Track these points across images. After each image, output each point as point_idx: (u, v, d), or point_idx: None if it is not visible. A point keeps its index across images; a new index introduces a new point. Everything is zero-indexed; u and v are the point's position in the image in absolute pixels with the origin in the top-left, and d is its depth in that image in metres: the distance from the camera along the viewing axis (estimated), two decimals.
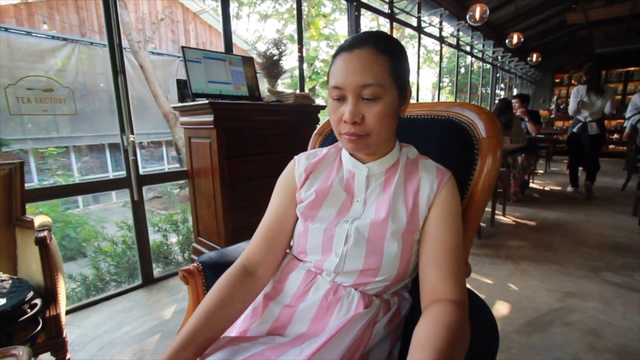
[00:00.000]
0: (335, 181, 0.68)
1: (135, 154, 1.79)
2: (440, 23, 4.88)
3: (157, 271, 2.13)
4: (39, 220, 1.18)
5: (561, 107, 9.08)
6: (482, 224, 2.87)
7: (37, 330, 1.00)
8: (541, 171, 5.99)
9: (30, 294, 1.00)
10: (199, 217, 2.01)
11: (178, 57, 5.07)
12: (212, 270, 0.81)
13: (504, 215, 3.30)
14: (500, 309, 1.70)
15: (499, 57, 7.11)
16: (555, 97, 9.23)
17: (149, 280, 1.99)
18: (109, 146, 5.45)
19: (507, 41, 5.43)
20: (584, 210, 3.47)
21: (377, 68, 0.56)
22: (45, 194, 1.61)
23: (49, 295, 1.06)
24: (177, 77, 5.24)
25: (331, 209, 0.66)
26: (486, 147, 0.73)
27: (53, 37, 4.15)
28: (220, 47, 2.17)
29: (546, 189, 4.64)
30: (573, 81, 8.80)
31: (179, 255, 2.62)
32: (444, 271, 0.56)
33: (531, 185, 4.77)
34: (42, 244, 1.04)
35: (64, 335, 1.10)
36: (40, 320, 1.03)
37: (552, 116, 9.04)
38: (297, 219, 0.70)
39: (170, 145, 6.09)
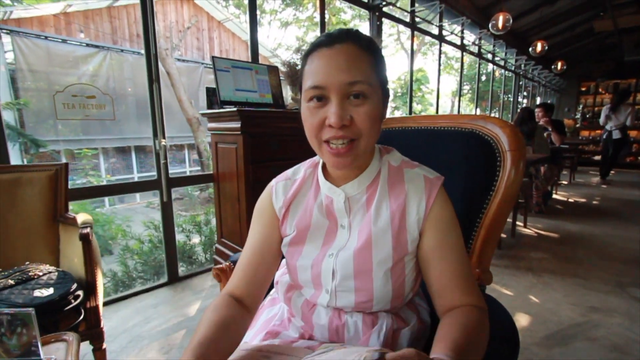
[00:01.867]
0: (314, 209, 0.62)
1: (166, 158, 1.89)
2: (462, 32, 4.87)
3: (181, 270, 2.21)
4: (81, 217, 1.27)
5: (587, 116, 8.75)
6: (502, 235, 2.83)
7: (79, 320, 1.08)
8: (565, 182, 5.82)
9: (74, 285, 1.08)
10: (223, 219, 2.09)
11: (202, 63, 5.25)
12: None
13: (525, 226, 3.24)
14: (521, 320, 1.69)
15: (522, 65, 6.98)
16: (581, 106, 8.90)
17: (174, 279, 2.07)
18: (135, 149, 5.69)
19: (530, 49, 5.35)
20: (611, 223, 3.36)
21: (364, 64, 0.51)
22: (85, 193, 1.72)
23: (90, 287, 1.14)
24: (200, 84, 5.38)
25: (316, 240, 0.62)
26: (509, 160, 0.76)
27: (87, 45, 4.39)
28: (243, 54, 2.26)
29: (570, 200, 4.51)
30: (600, 89, 8.51)
31: (201, 256, 2.71)
32: (456, 290, 0.54)
33: (555, 196, 4.65)
34: (85, 239, 1.12)
35: (102, 325, 1.17)
36: (82, 310, 1.11)
37: (578, 125, 8.75)
38: (280, 250, 0.66)
39: (192, 148, 6.29)
